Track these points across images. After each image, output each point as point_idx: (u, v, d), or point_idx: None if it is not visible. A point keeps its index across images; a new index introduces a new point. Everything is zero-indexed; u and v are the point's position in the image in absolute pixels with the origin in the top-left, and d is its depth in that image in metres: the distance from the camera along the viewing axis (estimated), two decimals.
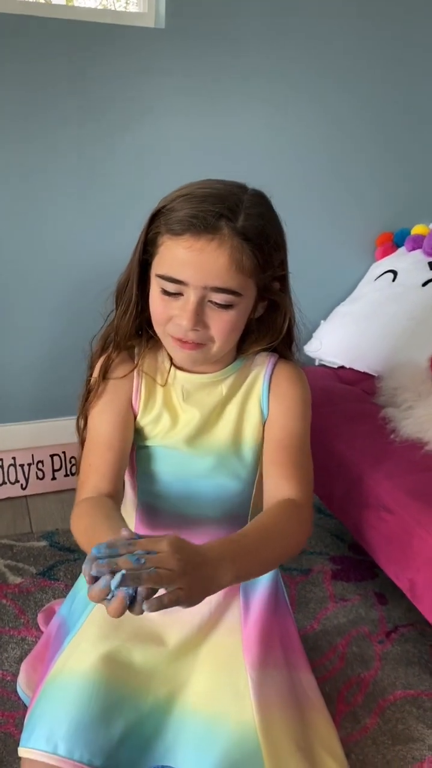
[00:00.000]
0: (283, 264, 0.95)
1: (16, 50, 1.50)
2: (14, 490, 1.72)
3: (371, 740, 1.08)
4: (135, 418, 1.02)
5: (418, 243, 1.81)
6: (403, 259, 1.81)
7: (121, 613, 0.67)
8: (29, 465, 1.74)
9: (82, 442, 1.04)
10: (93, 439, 1.00)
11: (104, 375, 1.00)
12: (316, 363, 1.83)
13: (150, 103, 1.63)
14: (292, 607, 1.33)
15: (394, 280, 1.77)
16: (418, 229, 1.84)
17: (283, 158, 1.78)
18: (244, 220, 0.87)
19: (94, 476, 0.98)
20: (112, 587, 0.66)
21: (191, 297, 0.88)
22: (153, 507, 1.06)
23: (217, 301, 0.88)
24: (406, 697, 1.17)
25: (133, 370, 1.01)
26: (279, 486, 0.97)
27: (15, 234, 1.63)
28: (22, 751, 0.88)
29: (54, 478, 1.76)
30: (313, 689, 1.03)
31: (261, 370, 1.02)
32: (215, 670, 0.97)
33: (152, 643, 0.99)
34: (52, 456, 1.76)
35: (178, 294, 0.89)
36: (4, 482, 1.71)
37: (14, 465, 1.73)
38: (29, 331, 1.72)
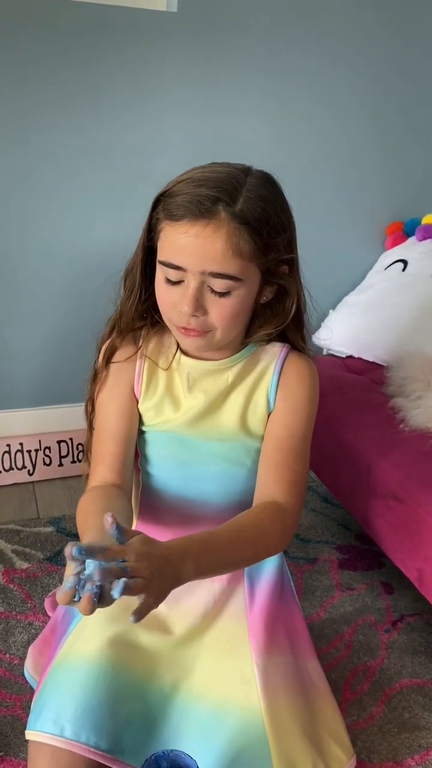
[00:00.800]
0: (290, 246, 0.93)
1: (25, 31, 1.49)
2: (21, 476, 1.72)
3: (377, 728, 1.09)
4: (137, 402, 1.01)
5: (428, 232, 1.79)
6: (413, 249, 1.80)
7: (91, 611, 0.65)
8: (36, 451, 1.74)
9: (90, 425, 1.05)
10: (99, 430, 1.00)
11: (107, 360, 1.00)
12: (324, 352, 1.82)
13: (160, 85, 1.62)
14: (298, 596, 1.34)
15: (404, 270, 1.76)
16: (428, 219, 1.83)
17: (292, 147, 1.77)
18: (243, 203, 0.85)
19: (100, 467, 0.98)
20: (85, 591, 0.65)
21: (191, 283, 0.87)
22: (156, 491, 1.06)
23: (216, 288, 0.88)
24: (412, 685, 1.17)
25: (135, 354, 1.00)
26: (270, 487, 0.96)
27: (19, 221, 1.63)
28: (30, 734, 0.88)
29: (61, 465, 1.76)
30: (320, 676, 1.03)
31: (272, 360, 1.01)
32: (221, 656, 0.98)
33: (158, 630, 0.99)
34: (59, 442, 1.76)
35: (180, 281, 0.89)
36: (11, 468, 1.72)
37: (21, 451, 1.73)
38: (36, 318, 1.72)
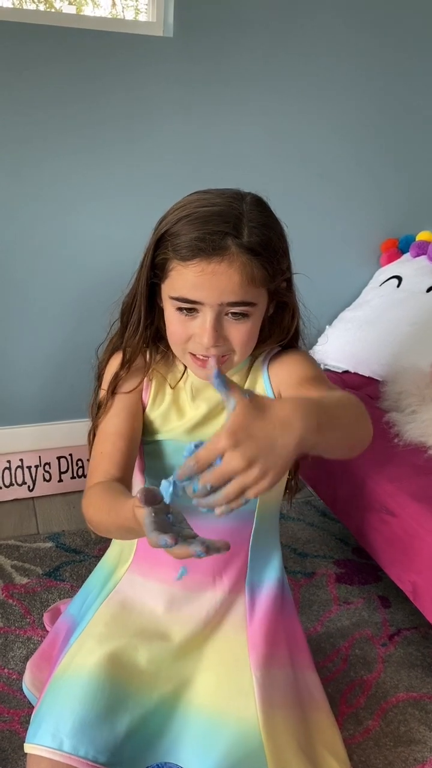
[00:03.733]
0: (289, 266, 0.97)
1: (25, 58, 1.52)
2: (21, 492, 1.74)
3: (373, 742, 1.09)
4: (144, 409, 1.04)
5: (422, 249, 1.82)
6: (407, 265, 1.83)
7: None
8: (36, 467, 1.76)
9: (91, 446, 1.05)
10: (104, 429, 1.02)
11: (113, 391, 1.02)
12: (321, 367, 1.84)
13: (157, 110, 1.65)
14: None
15: (398, 286, 1.79)
16: (423, 236, 1.86)
17: (288, 167, 1.80)
18: (249, 234, 0.88)
19: (106, 462, 0.99)
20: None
21: (208, 315, 0.90)
22: None
23: (234, 312, 0.90)
24: (408, 699, 1.17)
25: (141, 383, 1.03)
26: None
27: (21, 239, 1.65)
28: (28, 747, 0.89)
29: (61, 480, 1.78)
30: (318, 689, 1.04)
31: (260, 360, 1.05)
32: (220, 669, 0.99)
33: (158, 640, 1.00)
34: (59, 458, 1.77)
35: (194, 312, 0.91)
36: (11, 484, 1.73)
37: (21, 467, 1.74)
38: (37, 335, 1.74)
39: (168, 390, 1.04)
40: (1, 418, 1.78)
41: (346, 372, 1.77)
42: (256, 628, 1.02)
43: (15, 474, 1.74)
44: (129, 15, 1.84)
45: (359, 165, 1.88)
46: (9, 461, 1.74)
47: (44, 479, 1.76)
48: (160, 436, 1.04)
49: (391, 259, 1.91)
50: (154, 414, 1.03)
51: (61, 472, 1.78)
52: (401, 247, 1.92)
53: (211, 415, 1.03)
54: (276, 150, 1.78)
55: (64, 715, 0.89)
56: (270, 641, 1.01)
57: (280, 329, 1.02)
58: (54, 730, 0.88)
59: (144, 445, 1.05)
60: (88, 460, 1.06)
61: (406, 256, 1.88)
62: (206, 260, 0.87)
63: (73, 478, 1.79)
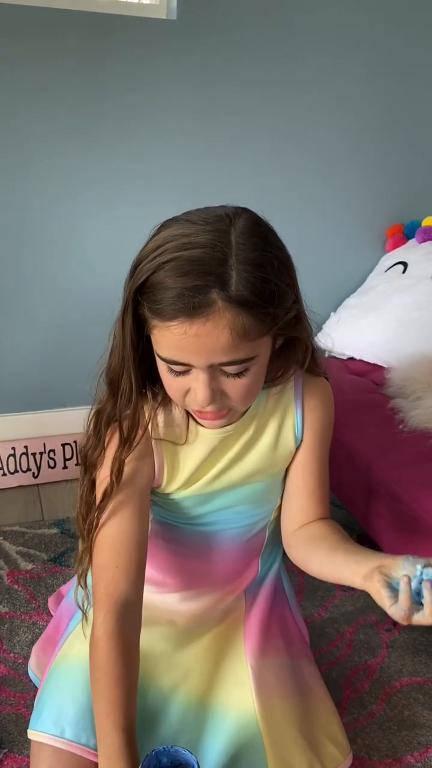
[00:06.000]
0: (297, 299, 0.84)
1: (28, 40, 1.51)
2: (26, 479, 1.74)
3: (377, 726, 1.09)
4: (156, 486, 0.94)
5: (428, 234, 1.80)
6: (413, 251, 1.81)
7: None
8: (41, 454, 1.76)
9: (90, 548, 0.89)
10: (115, 537, 0.87)
11: (118, 476, 0.86)
12: (326, 355, 1.83)
13: (160, 93, 1.64)
14: (299, 595, 1.35)
15: (404, 272, 1.77)
16: (428, 221, 1.84)
17: (292, 151, 1.78)
18: (237, 282, 0.73)
19: (123, 580, 0.85)
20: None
21: (200, 376, 0.79)
22: (170, 528, 1.03)
23: (230, 371, 0.79)
24: (412, 684, 1.18)
25: (149, 446, 0.90)
26: (314, 510, 0.98)
27: (20, 230, 1.65)
28: (31, 734, 0.90)
29: (65, 467, 1.78)
30: (315, 678, 1.04)
31: (290, 397, 0.95)
32: (217, 660, 0.99)
33: (158, 626, 1.00)
34: (63, 445, 1.78)
35: (187, 371, 0.80)
36: (16, 470, 1.74)
37: (26, 454, 1.75)
38: (41, 322, 1.74)
39: (181, 451, 0.92)
40: (6, 405, 1.78)
41: (351, 359, 1.76)
42: (252, 620, 1.03)
43: (20, 461, 1.74)
44: None
45: (364, 150, 1.87)
46: (14, 448, 1.74)
47: (49, 466, 1.77)
48: (177, 495, 0.95)
49: (396, 245, 1.89)
50: (175, 484, 0.93)
51: (65, 459, 1.78)
52: (407, 232, 1.91)
53: (238, 458, 0.94)
54: (279, 134, 1.76)
55: (65, 702, 0.90)
56: (265, 631, 1.02)
57: (293, 362, 0.91)
58: (56, 718, 0.89)
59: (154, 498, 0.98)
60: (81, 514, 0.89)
61: (412, 241, 1.86)
62: (188, 321, 0.73)
63: (77, 464, 1.78)
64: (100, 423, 0.89)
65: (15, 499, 1.69)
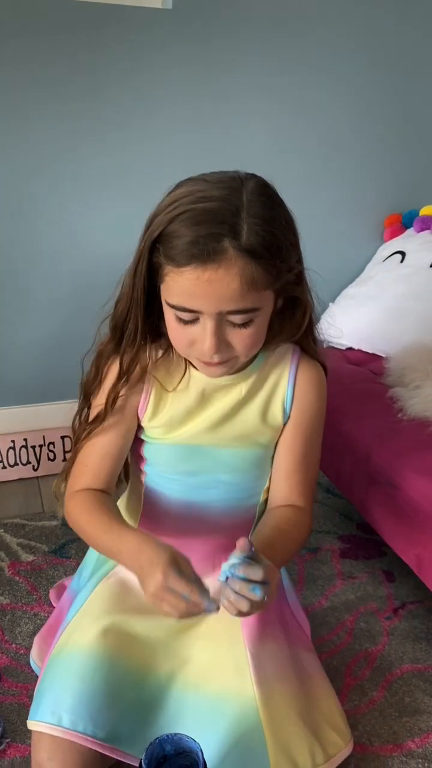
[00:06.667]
0: (299, 260, 0.90)
1: (21, 28, 1.50)
2: (26, 471, 1.74)
3: (378, 712, 1.10)
4: (138, 422, 0.99)
5: (426, 224, 1.80)
6: (411, 240, 1.81)
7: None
8: (41, 446, 1.76)
9: (74, 456, 1.02)
10: (92, 444, 0.98)
11: (112, 405, 0.96)
12: (325, 345, 1.83)
13: (156, 82, 1.63)
14: (299, 584, 1.36)
15: (402, 261, 1.77)
16: (426, 210, 1.84)
17: (290, 140, 1.78)
18: (248, 233, 0.79)
19: (88, 476, 0.98)
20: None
21: (208, 324, 0.84)
22: (160, 495, 1.06)
23: (237, 321, 0.85)
24: (413, 671, 1.18)
25: (142, 379, 0.97)
26: (287, 493, 1.00)
27: (18, 221, 1.64)
28: (31, 724, 0.91)
29: (65, 460, 1.77)
30: (315, 667, 1.05)
31: (284, 370, 1.00)
32: (215, 647, 0.99)
33: (155, 616, 1.00)
34: (63, 437, 1.78)
35: (195, 320, 0.85)
36: (16, 463, 1.74)
37: (26, 446, 1.75)
38: (40, 315, 1.74)
39: (170, 396, 0.98)
40: (5, 398, 1.78)
41: (350, 349, 1.76)
42: None
43: (19, 453, 1.74)
44: None
45: (362, 140, 1.86)
46: (13, 441, 1.74)
47: (48, 458, 1.77)
48: (165, 441, 1.00)
49: (394, 235, 1.89)
50: (156, 422, 0.99)
51: (65, 452, 1.78)
52: (405, 222, 1.90)
53: (227, 417, 0.98)
54: (277, 124, 1.76)
55: (63, 691, 0.90)
56: (262, 619, 1.02)
57: (292, 324, 0.96)
58: (53, 707, 0.89)
59: (145, 443, 1.03)
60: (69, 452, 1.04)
61: (410, 231, 1.86)
62: (201, 267, 0.79)
63: None
64: (100, 358, 0.98)
65: (15, 491, 1.69)
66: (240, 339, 0.86)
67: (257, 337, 0.88)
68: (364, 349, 1.72)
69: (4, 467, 1.72)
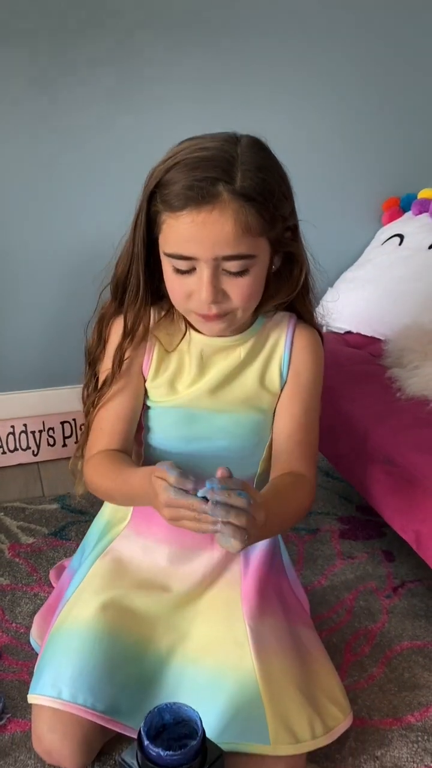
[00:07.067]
0: (293, 212, 0.93)
1: (21, 24, 1.50)
2: (26, 457, 1.75)
3: (378, 687, 1.10)
4: (144, 381, 1.02)
5: (424, 207, 1.80)
6: (409, 223, 1.81)
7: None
8: (40, 432, 1.76)
9: (88, 428, 1.04)
10: (104, 409, 1.01)
11: (119, 364, 0.98)
12: (324, 329, 1.82)
13: (152, 62, 1.63)
14: (299, 564, 1.36)
15: (400, 244, 1.77)
16: (424, 193, 1.83)
17: (286, 124, 1.77)
18: (242, 179, 0.83)
19: (104, 439, 1.00)
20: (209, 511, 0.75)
21: (204, 270, 0.86)
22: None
23: (232, 269, 0.86)
24: (412, 647, 1.18)
25: (145, 338, 0.99)
26: (291, 462, 0.99)
27: (13, 203, 1.64)
28: (31, 698, 0.92)
29: (65, 445, 1.78)
30: (314, 642, 1.05)
31: (281, 334, 1.02)
32: (215, 621, 1.00)
33: (155, 591, 1.01)
34: (62, 423, 1.78)
35: (192, 270, 0.87)
36: (15, 449, 1.74)
37: (26, 432, 1.75)
38: (38, 301, 1.73)
39: (172, 355, 1.01)
40: (4, 383, 1.78)
41: (349, 332, 1.76)
42: (249, 582, 1.04)
43: (19, 439, 1.74)
44: None
45: (359, 124, 1.85)
46: (13, 426, 1.74)
47: (48, 444, 1.77)
48: (165, 404, 1.02)
49: (392, 218, 1.89)
50: (158, 382, 1.01)
51: (65, 437, 1.78)
52: (403, 205, 1.90)
53: (226, 381, 1.00)
54: (273, 106, 1.75)
55: (62, 665, 0.91)
56: (262, 594, 1.02)
57: (288, 284, 0.97)
58: (53, 680, 0.90)
59: (147, 409, 1.04)
60: (82, 425, 1.06)
61: (408, 214, 1.86)
62: (196, 209, 0.82)
63: (77, 442, 1.78)
64: (102, 323, 1.01)
65: (15, 476, 1.69)
66: (236, 289, 0.88)
67: (254, 287, 0.90)
68: (363, 333, 1.72)
69: (4, 452, 1.73)
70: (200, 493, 0.76)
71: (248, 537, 0.76)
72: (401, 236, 1.78)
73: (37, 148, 1.61)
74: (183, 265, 0.87)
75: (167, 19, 1.60)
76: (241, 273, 0.87)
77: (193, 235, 0.84)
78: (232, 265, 0.86)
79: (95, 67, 1.59)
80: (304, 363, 1.02)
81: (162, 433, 1.04)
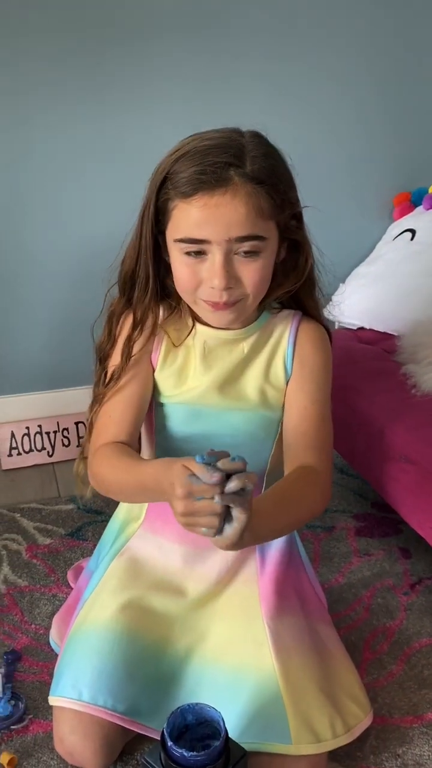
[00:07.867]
0: (298, 200, 0.94)
1: (19, 21, 1.50)
2: (41, 458, 1.75)
3: (397, 685, 1.10)
4: (153, 371, 1.02)
5: None
6: (421, 218, 1.80)
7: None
8: (55, 432, 1.77)
9: (91, 425, 1.02)
10: (115, 398, 1.00)
11: (128, 356, 0.98)
12: (336, 325, 1.82)
13: (159, 63, 1.62)
14: (315, 562, 1.36)
15: (412, 239, 1.76)
16: None
17: (297, 119, 1.76)
18: (252, 163, 0.85)
19: (112, 428, 0.98)
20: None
21: (217, 254, 0.87)
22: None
23: (245, 250, 0.87)
24: (431, 644, 1.18)
25: (154, 332, 0.99)
26: (300, 455, 0.98)
27: (21, 201, 1.65)
28: (52, 700, 0.93)
29: (79, 445, 1.78)
30: (333, 640, 1.04)
31: (285, 329, 1.02)
32: (233, 621, 1.00)
33: (171, 593, 1.01)
34: (77, 423, 1.78)
35: (203, 254, 0.88)
36: (31, 450, 1.75)
37: (41, 433, 1.76)
38: (51, 302, 1.74)
39: (180, 348, 1.01)
40: (19, 385, 1.79)
41: (361, 328, 1.75)
42: (267, 581, 1.03)
43: (34, 440, 1.75)
44: None
45: (370, 119, 1.84)
46: (28, 428, 1.75)
47: (63, 444, 1.78)
48: (174, 399, 1.02)
49: (404, 213, 1.88)
50: (166, 373, 1.01)
51: (79, 437, 1.79)
52: (414, 200, 1.89)
53: (231, 377, 1.00)
54: (284, 102, 1.74)
55: (82, 667, 0.92)
56: (280, 592, 1.02)
57: (295, 273, 0.98)
58: (73, 682, 0.91)
59: (155, 407, 1.04)
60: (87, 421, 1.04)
61: (419, 209, 1.85)
62: (209, 193, 0.84)
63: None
64: (112, 320, 1.01)
65: (31, 477, 1.70)
66: (248, 273, 0.89)
67: (264, 272, 0.90)
68: (375, 328, 1.72)
69: (19, 454, 1.73)
70: (197, 460, 0.72)
71: (245, 524, 0.72)
72: (413, 231, 1.77)
73: (42, 148, 1.62)
74: (194, 247, 0.88)
75: (168, 19, 1.60)
76: (253, 255, 0.88)
77: (206, 218, 0.85)
78: (246, 246, 0.87)
79: (97, 66, 1.59)
80: (309, 355, 1.01)
81: (171, 431, 1.04)
